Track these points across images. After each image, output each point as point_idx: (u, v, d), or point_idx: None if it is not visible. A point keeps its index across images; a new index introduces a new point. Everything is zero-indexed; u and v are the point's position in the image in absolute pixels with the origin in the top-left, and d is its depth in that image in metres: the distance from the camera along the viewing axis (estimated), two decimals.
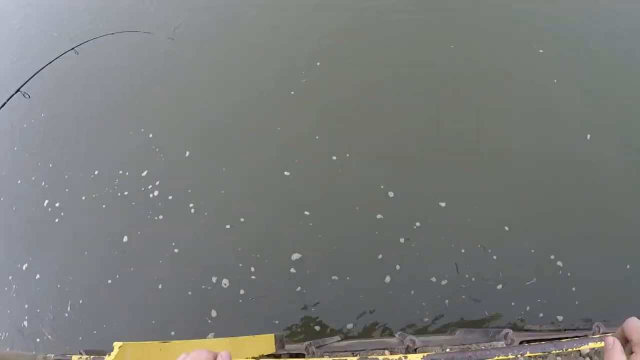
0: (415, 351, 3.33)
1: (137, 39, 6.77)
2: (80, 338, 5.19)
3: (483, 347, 3.43)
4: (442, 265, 4.51)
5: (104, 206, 5.81)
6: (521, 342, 3.18)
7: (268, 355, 2.66)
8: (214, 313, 4.81)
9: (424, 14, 6.14)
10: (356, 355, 3.35)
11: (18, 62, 8.27)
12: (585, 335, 3.17)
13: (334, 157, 5.19)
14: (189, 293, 4.98)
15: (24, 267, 5.90)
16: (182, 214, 5.34)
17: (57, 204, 6.11)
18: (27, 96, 3.84)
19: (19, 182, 6.70)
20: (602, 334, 3.10)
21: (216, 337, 4.73)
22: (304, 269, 4.70)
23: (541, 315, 4.28)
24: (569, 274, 4.43)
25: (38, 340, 5.57)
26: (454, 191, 4.85)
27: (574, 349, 1.33)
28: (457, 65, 5.70)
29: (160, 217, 5.43)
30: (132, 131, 6.21)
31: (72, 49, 4.44)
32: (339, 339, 4.12)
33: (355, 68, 5.93)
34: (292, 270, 4.68)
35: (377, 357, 1.56)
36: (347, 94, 5.71)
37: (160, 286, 5.14)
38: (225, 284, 4.80)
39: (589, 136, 5.05)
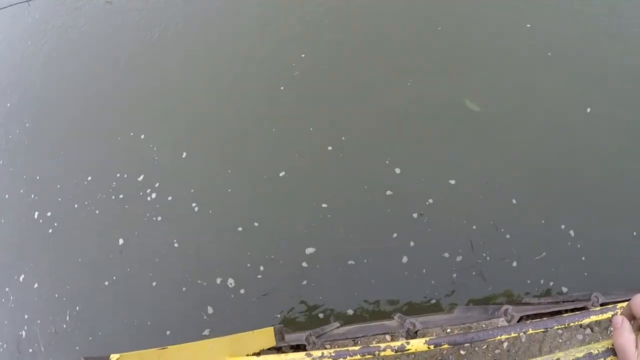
0: (416, 334, 3.34)
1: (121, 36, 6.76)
2: (77, 348, 5.20)
3: (484, 326, 3.44)
4: (455, 242, 4.56)
5: (97, 212, 5.76)
6: (521, 318, 3.20)
7: (269, 349, 2.64)
8: (210, 310, 4.81)
9: None
10: (357, 344, 3.34)
11: None
12: (585, 307, 3.19)
13: (330, 147, 5.18)
14: (183, 289, 4.99)
15: (20, 279, 5.84)
16: (183, 213, 5.32)
17: (48, 214, 6.05)
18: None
19: (6, 196, 6.64)
20: (602, 304, 3.12)
21: (212, 334, 4.75)
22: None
23: (551, 284, 4.34)
24: (578, 245, 4.49)
25: (31, 350, 5.56)
26: (462, 167, 4.89)
27: (577, 322, 1.31)
28: (459, 40, 5.71)
29: (159, 218, 5.39)
30: (123, 134, 6.14)
31: None
32: (339, 325, 4.12)
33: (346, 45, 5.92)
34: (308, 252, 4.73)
35: (380, 344, 1.55)
36: (339, 76, 5.70)
37: (154, 283, 5.15)
38: (231, 284, 4.79)
39: (589, 109, 5.09)
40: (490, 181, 4.77)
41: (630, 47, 5.45)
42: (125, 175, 5.76)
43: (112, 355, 1.26)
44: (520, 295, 4.32)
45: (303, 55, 5.79)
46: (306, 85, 5.67)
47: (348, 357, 1.50)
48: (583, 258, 4.45)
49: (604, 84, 5.29)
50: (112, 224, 5.61)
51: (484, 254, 4.46)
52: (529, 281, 4.37)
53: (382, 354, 1.52)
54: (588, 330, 3.48)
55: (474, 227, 4.58)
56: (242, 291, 4.77)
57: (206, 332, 4.78)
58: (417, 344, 1.50)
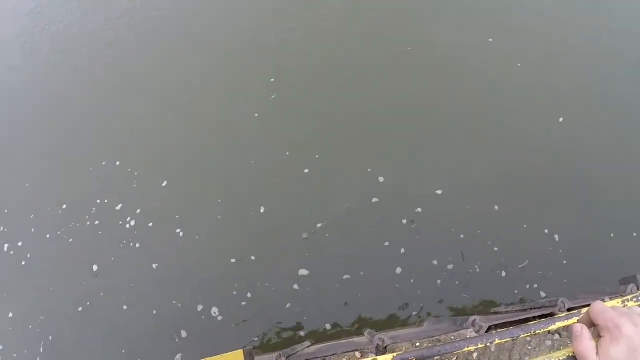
0: (385, 349, 3.36)
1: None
2: None
3: (452, 338, 3.49)
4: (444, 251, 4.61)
5: (70, 240, 5.70)
6: (489, 328, 3.21)
7: None
8: (184, 334, 4.81)
9: None
10: None
11: None
12: (552, 314, 3.23)
13: (306, 171, 5.19)
14: (154, 312, 4.99)
15: None
16: (166, 239, 5.28)
17: (19, 244, 5.97)
18: None
19: None
20: (569, 310, 3.18)
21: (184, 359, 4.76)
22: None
23: (543, 295, 4.45)
24: (560, 251, 4.61)
25: None
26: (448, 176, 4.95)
27: (542, 330, 1.35)
28: (448, 49, 5.79)
29: (137, 245, 5.35)
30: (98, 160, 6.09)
31: None
32: (309, 344, 4.14)
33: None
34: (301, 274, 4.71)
35: None
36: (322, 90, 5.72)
37: (125, 307, 5.15)
38: (215, 313, 4.76)
39: (561, 119, 5.26)
40: (475, 190, 4.84)
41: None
42: (104, 202, 5.69)
43: None
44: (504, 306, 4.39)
45: (272, 80, 5.80)
46: (281, 109, 5.67)
47: None
48: (565, 262, 4.56)
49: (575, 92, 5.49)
50: (87, 251, 5.54)
51: (475, 265, 4.51)
52: (516, 291, 4.45)
53: None
54: (557, 336, 3.57)
55: (462, 236, 4.65)
56: (219, 318, 4.74)
57: (178, 356, 4.76)
58: None
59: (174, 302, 4.94)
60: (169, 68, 6.50)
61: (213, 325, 4.72)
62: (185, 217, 5.27)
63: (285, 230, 4.91)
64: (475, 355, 3.54)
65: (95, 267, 5.42)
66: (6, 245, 6.05)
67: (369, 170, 4.96)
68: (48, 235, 5.85)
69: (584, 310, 1.23)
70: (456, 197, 4.75)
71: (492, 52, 5.72)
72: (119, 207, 5.56)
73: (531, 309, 3.75)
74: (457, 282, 4.42)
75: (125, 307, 5.15)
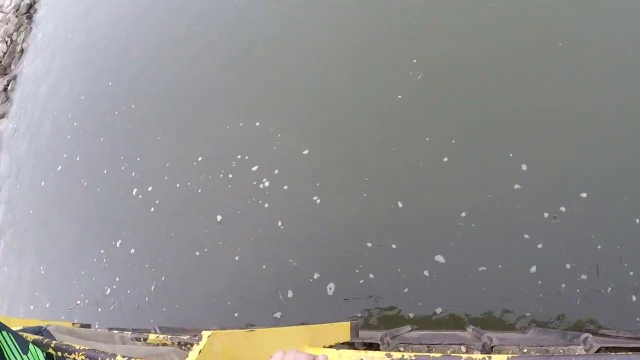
0: (491, 349, 3.25)
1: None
2: (152, 320, 5.43)
3: (562, 351, 3.31)
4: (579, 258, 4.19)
5: (199, 190, 5.99)
6: (600, 349, 3.04)
7: (343, 343, 2.66)
8: (290, 294, 4.89)
9: None
10: (431, 350, 3.31)
11: None
12: None
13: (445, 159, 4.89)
14: (263, 266, 5.10)
15: (117, 244, 6.28)
16: (300, 202, 5.29)
17: (149, 189, 6.42)
18: None
19: (105, 172, 7.16)
20: None
21: (283, 317, 4.85)
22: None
23: None
24: None
25: (112, 308, 5.92)
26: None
27: None
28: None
29: (266, 205, 5.44)
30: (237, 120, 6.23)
31: None
32: (409, 328, 4.08)
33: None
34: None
35: (460, 355, 1.52)
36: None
37: (237, 258, 5.31)
38: (330, 289, 4.74)
39: None
40: (622, 203, 4.35)
41: None
42: (241, 160, 5.82)
43: (204, 332, 1.31)
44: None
45: (415, 61, 5.44)
46: (426, 90, 5.35)
47: None
48: None
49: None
50: (214, 202, 5.78)
51: (608, 283, 4.10)
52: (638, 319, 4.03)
53: None
54: None
55: (599, 247, 4.25)
56: (330, 292, 4.71)
57: (277, 314, 4.87)
58: None
59: (290, 260, 4.99)
60: (320, 49, 6.29)
61: (321, 296, 4.71)
62: (324, 187, 5.21)
63: (427, 216, 4.70)
64: None
65: (219, 217, 5.62)
66: (135, 189, 6.48)
67: (511, 155, 4.64)
68: (178, 185, 6.18)
69: None
70: (601, 205, 4.32)
71: None
72: (255, 168, 5.66)
73: None
74: (583, 294, 4.08)
75: (237, 258, 5.32)
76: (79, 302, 6.42)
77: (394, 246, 4.60)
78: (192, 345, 1.62)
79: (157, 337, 1.74)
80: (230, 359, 1.36)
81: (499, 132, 4.77)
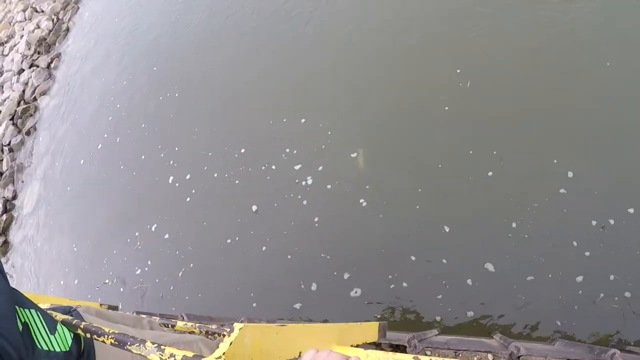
0: (518, 359, 3.19)
1: None
2: (174, 308, 5.52)
3: None
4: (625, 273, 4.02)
5: (237, 182, 6.03)
6: None
7: (370, 343, 2.62)
8: (314, 286, 4.87)
9: None
10: (458, 356, 3.25)
11: None
12: None
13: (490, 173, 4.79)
14: (288, 256, 5.10)
15: (153, 228, 6.40)
16: (347, 203, 5.20)
17: (187, 177, 6.51)
18: None
19: (142, 157, 7.26)
20: None
21: (302, 308, 4.84)
22: None
23: None
24: None
25: (135, 287, 6.00)
26: None
27: None
28: None
29: (305, 202, 5.42)
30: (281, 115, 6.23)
31: None
32: (437, 332, 4.03)
33: None
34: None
35: None
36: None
37: (264, 248, 5.34)
38: (356, 292, 4.70)
39: None
40: None
41: None
42: (284, 155, 5.82)
43: (235, 324, 1.28)
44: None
45: (458, 71, 5.31)
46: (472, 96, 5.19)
47: None
48: None
49: None
50: (250, 193, 5.81)
51: None
52: None
53: None
54: None
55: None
56: (357, 294, 4.67)
57: (297, 305, 4.86)
58: None
59: (322, 255, 4.96)
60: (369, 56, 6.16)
61: (346, 294, 4.68)
62: (375, 192, 5.10)
63: (480, 224, 4.57)
64: None
65: (254, 207, 5.65)
66: (171, 178, 6.54)
67: (555, 161, 4.48)
68: (216, 174, 6.24)
69: None
70: None
71: None
72: (297, 167, 5.64)
73: None
74: (620, 310, 3.94)
75: (264, 248, 5.35)
76: (107, 280, 6.52)
77: (444, 261, 4.47)
78: (219, 334, 1.60)
79: (185, 324, 1.72)
80: (260, 351, 1.34)
81: (545, 141, 4.65)
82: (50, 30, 12.21)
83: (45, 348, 1.37)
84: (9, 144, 10.37)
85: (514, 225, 4.35)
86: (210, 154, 6.46)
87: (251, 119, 6.48)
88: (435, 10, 5.86)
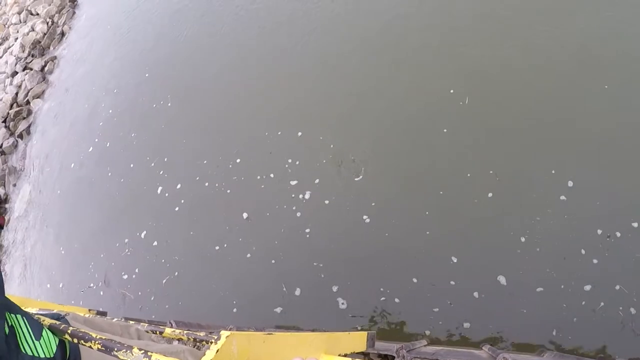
0: None
1: None
2: (154, 316, 5.50)
3: None
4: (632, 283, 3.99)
5: (228, 191, 6.01)
6: None
7: (358, 353, 2.62)
8: (297, 291, 4.88)
9: None
10: None
11: None
12: None
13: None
14: (272, 261, 5.07)
15: (142, 235, 6.39)
16: (348, 219, 5.13)
17: (178, 186, 6.48)
18: None
19: (131, 165, 7.25)
20: None
21: (283, 312, 4.85)
22: None
23: None
24: None
25: (124, 297, 5.99)
26: None
27: None
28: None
29: (299, 213, 5.37)
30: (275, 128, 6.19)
31: None
32: (425, 342, 4.03)
33: None
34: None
35: None
36: None
37: (248, 255, 5.34)
38: (342, 304, 4.68)
39: None
40: None
41: None
42: (280, 169, 5.76)
43: (222, 332, 1.28)
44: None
45: (452, 91, 5.28)
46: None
47: None
48: None
49: None
50: (242, 201, 5.78)
51: None
52: None
53: None
54: None
55: None
56: (343, 307, 4.64)
57: (278, 309, 4.87)
58: None
59: (314, 263, 4.93)
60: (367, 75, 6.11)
61: (331, 305, 4.66)
62: (378, 211, 5.02)
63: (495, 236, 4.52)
64: None
65: (245, 215, 5.63)
66: (160, 188, 6.54)
67: (553, 172, 4.47)
68: (207, 184, 6.21)
69: None
70: None
71: None
72: (294, 183, 5.58)
73: None
74: (620, 323, 3.90)
75: (248, 255, 5.35)
76: (92, 284, 6.50)
77: (452, 283, 4.42)
78: (207, 342, 1.60)
79: (173, 331, 1.72)
80: None
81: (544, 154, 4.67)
82: (45, 34, 12.19)
83: (29, 353, 1.39)
84: (0, 147, 10.32)
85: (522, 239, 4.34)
86: (205, 161, 6.43)
87: (247, 129, 6.44)
88: (434, 28, 5.89)
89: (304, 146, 5.77)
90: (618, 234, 4.08)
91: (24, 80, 11.25)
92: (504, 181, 4.63)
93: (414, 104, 5.48)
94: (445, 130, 5.07)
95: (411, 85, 5.63)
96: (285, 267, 5.10)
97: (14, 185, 9.61)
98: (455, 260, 4.44)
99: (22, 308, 1.48)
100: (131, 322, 2.22)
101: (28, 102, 10.89)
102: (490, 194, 4.60)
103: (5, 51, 12.75)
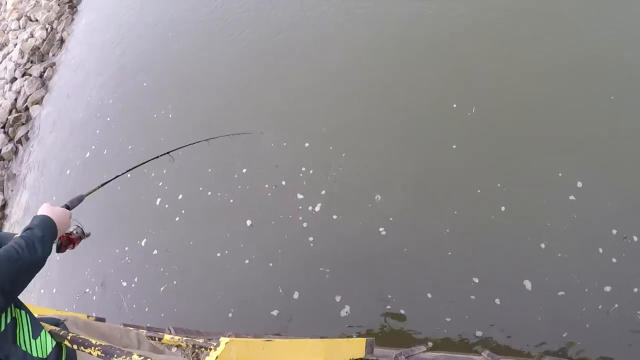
0: None
1: None
2: (148, 324, 5.42)
3: None
4: None
5: (231, 200, 5.98)
6: None
7: (357, 359, 2.62)
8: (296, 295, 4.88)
9: None
10: None
11: None
12: None
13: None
14: (270, 264, 5.06)
15: (142, 243, 6.36)
16: (362, 233, 5.03)
17: (179, 197, 6.43)
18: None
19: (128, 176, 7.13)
20: None
21: (279, 314, 4.85)
22: None
23: None
24: None
25: (120, 306, 5.98)
26: None
27: None
28: None
29: (305, 224, 5.32)
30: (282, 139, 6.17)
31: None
32: (424, 349, 4.02)
33: None
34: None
35: None
36: None
37: (247, 261, 5.32)
38: (346, 311, 4.60)
39: None
40: None
41: None
42: (290, 183, 5.71)
43: (222, 339, 1.29)
44: None
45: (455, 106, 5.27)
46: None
47: None
48: None
49: None
50: (246, 210, 5.73)
51: None
52: None
53: None
54: None
55: None
56: (345, 313, 4.59)
57: (274, 312, 4.85)
58: None
59: (321, 268, 4.89)
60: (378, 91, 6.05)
61: (331, 312, 4.62)
62: (395, 225, 4.92)
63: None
64: None
65: (248, 222, 5.60)
66: (159, 200, 6.54)
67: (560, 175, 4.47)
68: (209, 193, 6.19)
69: None
70: None
71: None
72: (300, 196, 5.51)
73: None
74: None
75: (247, 262, 5.33)
76: (87, 290, 6.48)
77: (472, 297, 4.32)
78: (206, 348, 1.60)
79: (172, 338, 1.72)
80: None
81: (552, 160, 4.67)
82: (44, 40, 12.21)
83: (23, 348, 1.42)
84: None
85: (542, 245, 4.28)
86: (210, 170, 6.40)
87: (253, 139, 6.36)
88: (437, 40, 5.93)
89: (312, 157, 5.74)
90: (635, 238, 4.06)
91: (23, 86, 11.25)
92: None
93: (419, 117, 5.48)
94: (454, 147, 5.05)
95: (417, 97, 5.63)
96: (290, 274, 5.09)
97: (12, 191, 9.59)
98: (476, 281, 4.33)
99: None
100: (130, 328, 2.22)
101: (27, 108, 10.89)
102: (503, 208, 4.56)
103: (4, 57, 12.77)
